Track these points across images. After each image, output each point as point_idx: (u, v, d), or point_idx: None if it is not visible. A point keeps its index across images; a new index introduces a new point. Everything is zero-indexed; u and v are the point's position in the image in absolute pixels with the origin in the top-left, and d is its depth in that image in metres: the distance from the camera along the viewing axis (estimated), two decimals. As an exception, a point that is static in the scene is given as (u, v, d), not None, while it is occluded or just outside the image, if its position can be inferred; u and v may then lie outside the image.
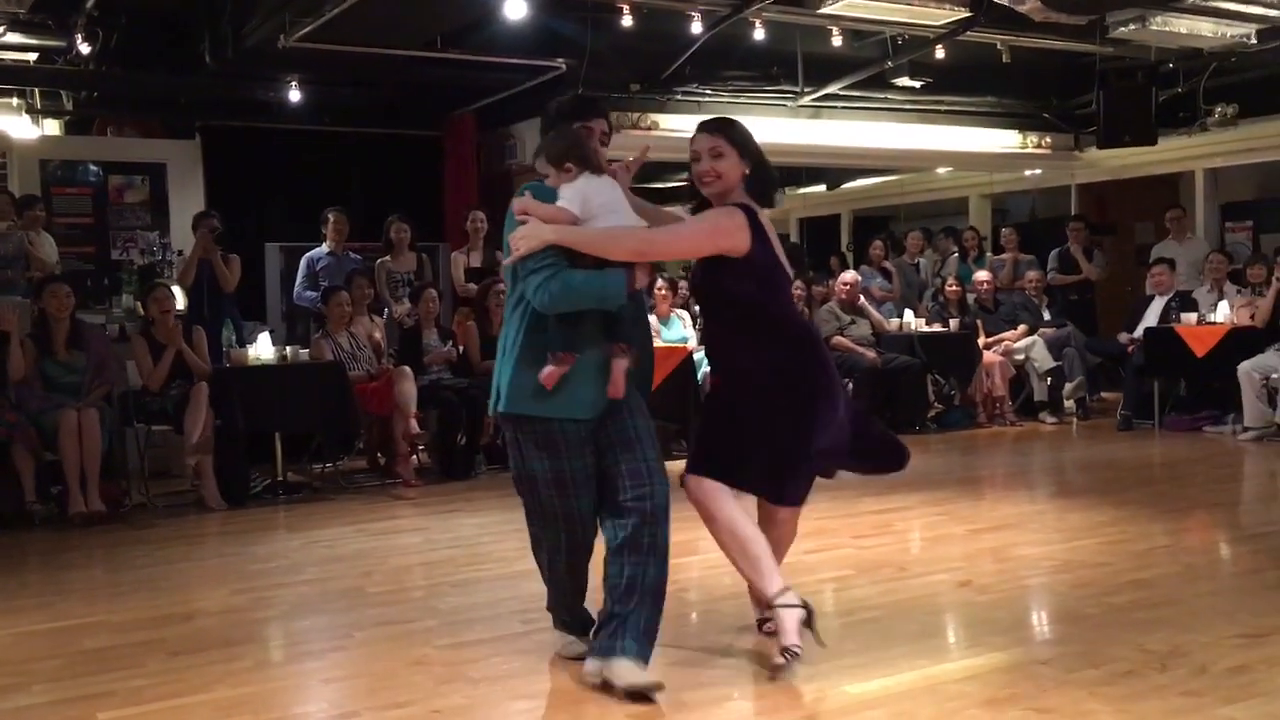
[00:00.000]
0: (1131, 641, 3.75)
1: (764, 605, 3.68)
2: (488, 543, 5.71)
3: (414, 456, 7.72)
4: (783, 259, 3.55)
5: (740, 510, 3.60)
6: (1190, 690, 3.32)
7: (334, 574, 5.12)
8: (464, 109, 10.41)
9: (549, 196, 3.34)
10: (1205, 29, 8.56)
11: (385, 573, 5.13)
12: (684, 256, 3.55)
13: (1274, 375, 8.48)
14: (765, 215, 3.57)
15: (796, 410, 3.54)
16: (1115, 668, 3.52)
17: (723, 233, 3.44)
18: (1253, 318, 8.97)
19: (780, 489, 3.66)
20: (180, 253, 9.27)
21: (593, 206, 3.33)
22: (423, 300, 8.14)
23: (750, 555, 3.56)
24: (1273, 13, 8.37)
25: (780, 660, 3.44)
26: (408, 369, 7.57)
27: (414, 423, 7.40)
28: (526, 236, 3.25)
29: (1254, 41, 8.94)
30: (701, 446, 3.71)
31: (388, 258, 8.79)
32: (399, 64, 9.09)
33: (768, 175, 3.61)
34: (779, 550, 3.77)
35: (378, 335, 8.02)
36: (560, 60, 9.27)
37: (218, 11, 8.60)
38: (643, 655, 3.32)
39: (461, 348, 8.22)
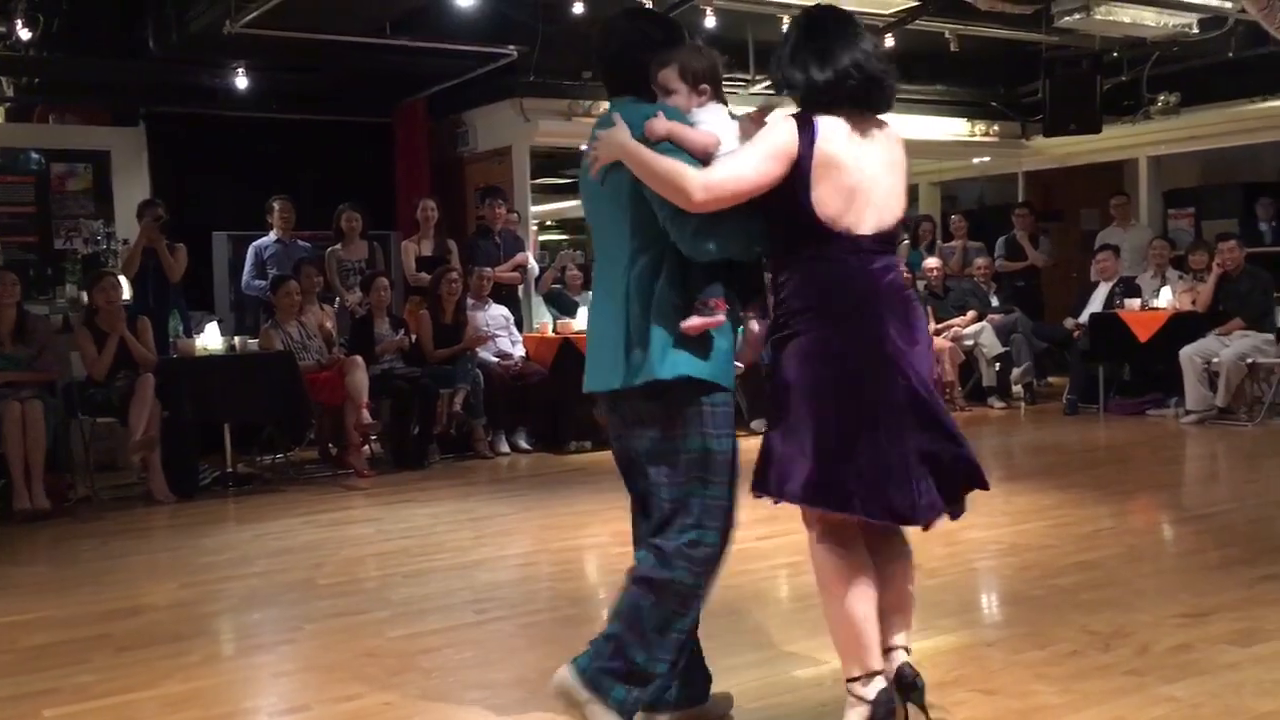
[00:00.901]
0: (1076, 622, 3.82)
1: None
2: (441, 533, 5.69)
3: (366, 447, 7.67)
4: (822, 192, 2.79)
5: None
6: (1133, 670, 3.38)
7: (284, 566, 5.08)
8: (414, 96, 10.32)
9: (681, 120, 2.84)
10: (1148, 18, 8.68)
11: (337, 564, 5.10)
12: (755, 191, 2.74)
13: (1215, 359, 8.65)
14: (838, 128, 2.82)
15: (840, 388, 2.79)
16: (1060, 649, 3.58)
17: (780, 144, 2.78)
18: (1194, 303, 9.14)
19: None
20: (125, 242, 9.13)
21: (723, 140, 2.85)
22: (374, 289, 8.09)
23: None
24: (1214, 2, 8.50)
25: None
26: (359, 358, 7.52)
27: (366, 413, 7.36)
28: (606, 145, 2.80)
29: (1196, 31, 9.08)
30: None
31: (338, 246, 8.72)
32: (347, 50, 8.99)
33: (816, 75, 2.84)
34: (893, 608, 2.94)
35: (328, 324, 7.96)
36: (511, 47, 9.22)
37: (162, -4, 8.47)
38: None
39: (414, 336, 8.18)
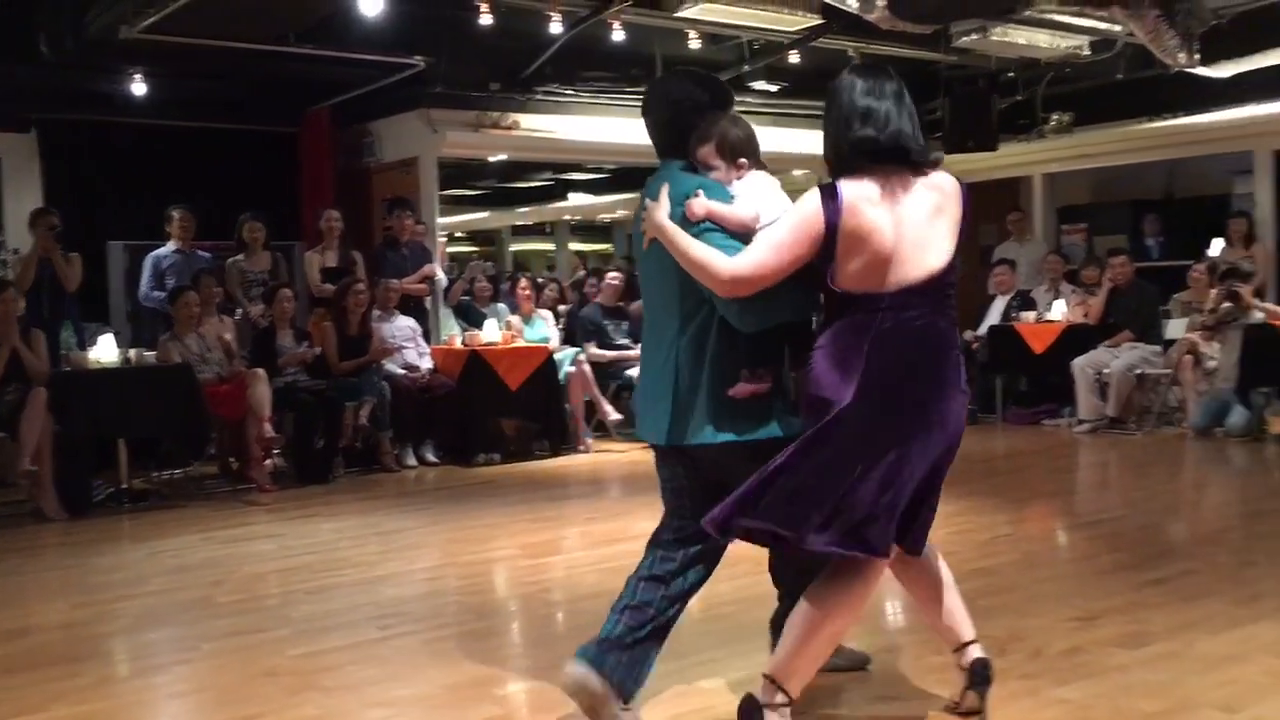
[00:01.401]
0: (974, 628, 3.90)
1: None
2: (345, 548, 5.61)
3: (269, 461, 7.53)
4: (849, 266, 2.82)
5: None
6: (1027, 673, 3.48)
7: (181, 584, 4.96)
8: (319, 105, 10.19)
9: (722, 195, 2.97)
10: (1042, 40, 8.94)
11: (236, 582, 4.99)
12: (782, 275, 2.82)
13: (1105, 370, 8.94)
14: (869, 193, 2.81)
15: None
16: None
17: (806, 225, 2.81)
18: (1086, 315, 9.44)
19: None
20: (15, 251, 8.84)
21: (763, 212, 2.94)
22: (277, 300, 7.96)
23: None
24: (1103, 25, 8.79)
25: None
26: (261, 371, 7.38)
27: (268, 426, 7.22)
28: (649, 225, 2.95)
29: (1087, 53, 9.37)
30: None
31: (240, 257, 8.56)
32: (249, 58, 8.83)
33: (842, 140, 2.88)
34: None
35: (228, 336, 7.79)
36: (418, 57, 9.16)
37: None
38: None
39: (318, 349, 8.06)
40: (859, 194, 2.81)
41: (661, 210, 2.92)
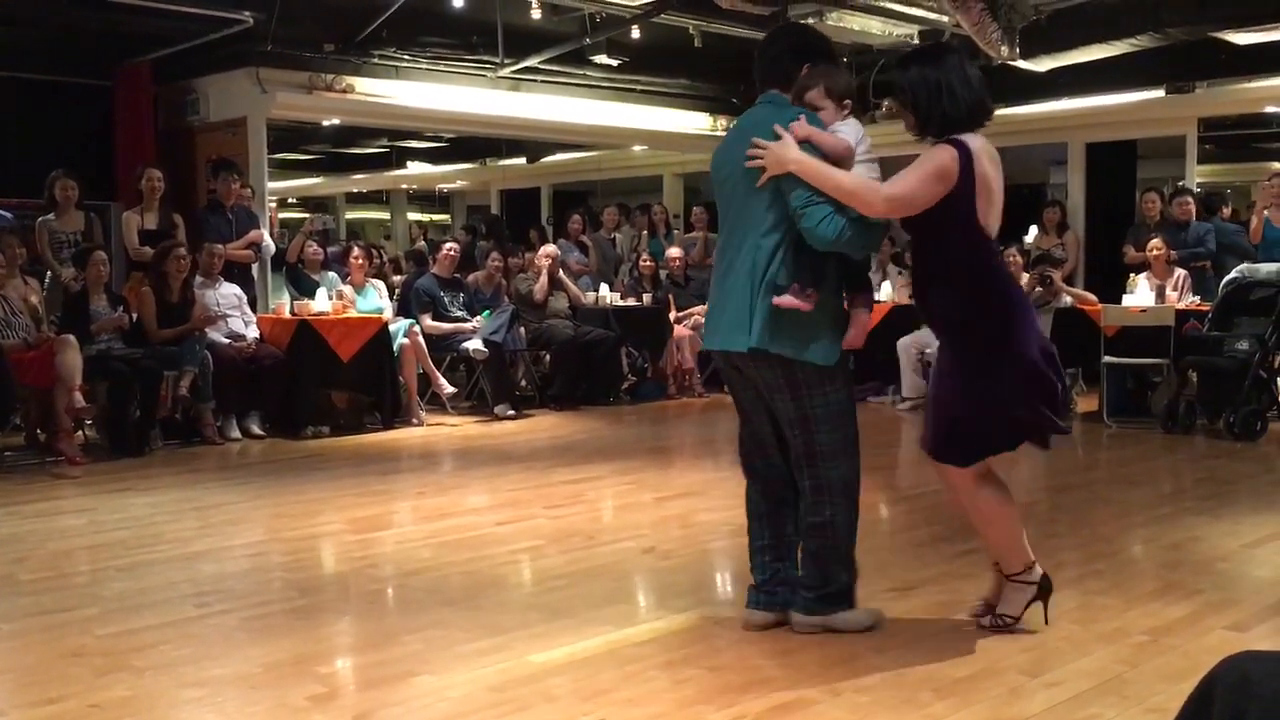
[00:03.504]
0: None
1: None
2: (161, 522, 5.37)
3: (79, 432, 7.15)
4: (982, 206, 3.38)
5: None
6: (847, 642, 3.58)
7: (-20, 562, 4.67)
8: (138, 58, 9.69)
9: (818, 126, 3.39)
10: (875, 27, 9.20)
11: (41, 559, 4.72)
12: (923, 207, 3.35)
13: (928, 350, 9.28)
14: (982, 149, 3.38)
15: (975, 364, 3.46)
16: (783, 625, 3.74)
17: (945, 170, 3.32)
18: (911, 297, 9.77)
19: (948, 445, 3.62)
20: None
21: (858, 151, 3.36)
22: (91, 263, 7.54)
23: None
24: (932, 15, 9.11)
25: (985, 620, 3.65)
26: (71, 338, 6.98)
27: (78, 395, 6.84)
28: (774, 158, 3.27)
29: (916, 41, 9.68)
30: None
31: (51, 216, 8.09)
32: (57, 4, 8.33)
33: (960, 103, 3.40)
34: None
35: (34, 299, 7.36)
36: (247, 13, 8.81)
37: None
38: None
39: (135, 315, 7.68)
40: (978, 146, 3.35)
41: (794, 147, 3.27)
